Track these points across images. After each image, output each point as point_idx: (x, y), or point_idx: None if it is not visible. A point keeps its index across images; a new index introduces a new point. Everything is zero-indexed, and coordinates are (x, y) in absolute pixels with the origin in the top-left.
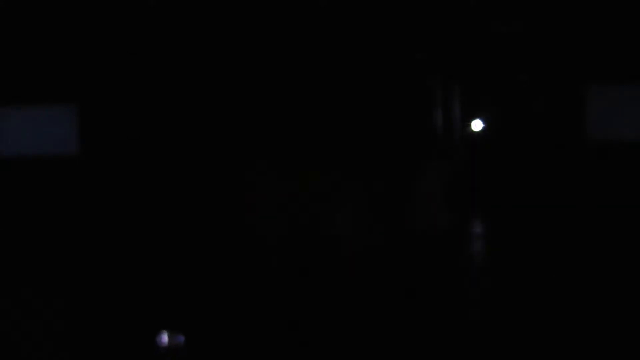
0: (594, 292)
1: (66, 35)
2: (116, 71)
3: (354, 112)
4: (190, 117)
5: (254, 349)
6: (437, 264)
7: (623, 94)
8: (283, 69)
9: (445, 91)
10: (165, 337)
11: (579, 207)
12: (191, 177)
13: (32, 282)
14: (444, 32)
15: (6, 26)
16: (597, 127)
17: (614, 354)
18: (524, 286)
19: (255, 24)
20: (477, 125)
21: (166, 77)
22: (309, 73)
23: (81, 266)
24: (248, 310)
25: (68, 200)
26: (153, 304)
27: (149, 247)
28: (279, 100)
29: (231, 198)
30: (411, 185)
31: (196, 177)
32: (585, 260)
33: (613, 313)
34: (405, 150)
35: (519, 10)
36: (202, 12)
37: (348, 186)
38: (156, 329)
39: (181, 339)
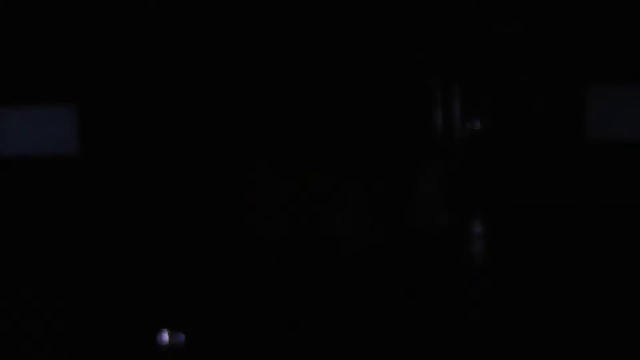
0: (594, 292)
1: (66, 35)
2: (116, 71)
3: (353, 112)
4: (190, 117)
5: (254, 348)
6: (437, 264)
7: (623, 94)
8: (283, 69)
9: (445, 91)
10: (165, 336)
11: (579, 207)
12: (191, 177)
13: (32, 282)
14: (444, 32)
15: (6, 26)
16: (597, 127)
17: (614, 354)
18: (524, 286)
19: (255, 24)
20: (477, 125)
21: (166, 77)
22: (309, 73)
23: (81, 266)
24: (248, 310)
25: (68, 200)
26: (153, 304)
27: (149, 247)
28: (278, 101)
29: (231, 198)
30: (411, 185)
31: (196, 177)
32: (585, 260)
33: (613, 313)
34: (405, 150)
35: (519, 10)
36: (202, 12)
37: (348, 186)
38: (156, 328)
39: (181, 338)
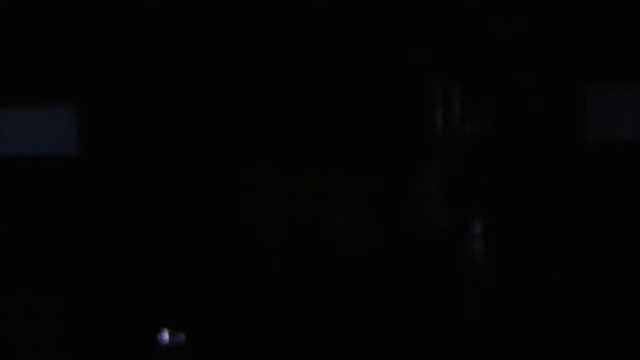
0: (594, 292)
1: (66, 35)
2: (116, 71)
3: (353, 112)
4: (190, 117)
5: (254, 348)
6: (437, 264)
7: (623, 94)
8: (283, 69)
9: (445, 91)
10: (165, 336)
11: (579, 207)
12: (191, 177)
13: (32, 282)
14: (444, 32)
15: (6, 26)
16: (597, 127)
17: (614, 354)
18: (524, 286)
19: (255, 24)
20: (477, 125)
21: (166, 77)
22: (309, 73)
23: (81, 266)
24: (248, 309)
25: (68, 200)
26: (153, 303)
27: (149, 246)
28: (278, 101)
29: (231, 198)
30: (411, 185)
31: (196, 177)
32: (585, 260)
33: (613, 313)
34: (405, 150)
35: (519, 10)
36: (202, 12)
37: (348, 186)
38: (156, 327)
39: (182, 337)
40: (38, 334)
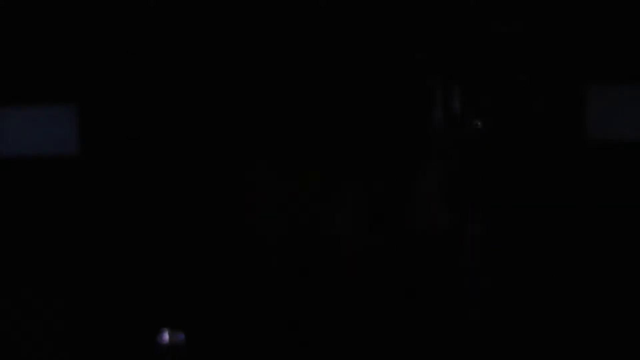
0: (594, 292)
1: (66, 35)
2: (116, 71)
3: (353, 112)
4: (190, 117)
5: (254, 348)
6: (437, 264)
7: (623, 94)
8: (283, 68)
9: (445, 91)
10: (166, 336)
11: (579, 207)
12: (191, 177)
13: (32, 282)
14: (444, 32)
15: (6, 26)
16: (597, 127)
17: (614, 354)
18: (524, 286)
19: (255, 24)
20: (477, 125)
21: (166, 77)
22: (309, 73)
23: (81, 266)
24: (248, 309)
25: (68, 200)
26: (153, 303)
27: (149, 246)
28: (278, 101)
29: (231, 198)
30: (411, 185)
31: (196, 177)
32: (585, 260)
33: (613, 313)
34: (405, 150)
35: (519, 10)
36: (202, 12)
37: (348, 186)
38: (157, 327)
39: (182, 337)
40: (38, 334)
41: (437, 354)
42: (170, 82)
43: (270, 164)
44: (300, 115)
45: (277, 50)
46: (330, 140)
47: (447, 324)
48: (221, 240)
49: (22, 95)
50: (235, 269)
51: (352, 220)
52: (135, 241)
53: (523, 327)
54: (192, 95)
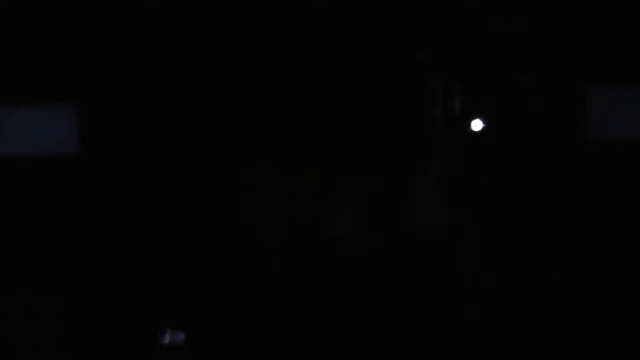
0: (594, 292)
1: (66, 35)
2: (116, 71)
3: (354, 112)
4: (190, 117)
5: (254, 348)
6: (437, 264)
7: (623, 94)
8: (283, 68)
9: (445, 91)
10: (165, 336)
11: (579, 207)
12: (191, 177)
13: (32, 282)
14: (444, 32)
15: (6, 26)
16: (597, 127)
17: (614, 354)
18: (524, 286)
19: (255, 24)
20: (477, 125)
21: (166, 77)
22: (309, 73)
23: (81, 266)
24: (248, 309)
25: (68, 200)
26: (153, 303)
27: (149, 246)
28: (278, 100)
29: (231, 198)
30: (411, 185)
31: (196, 177)
32: (585, 260)
33: (613, 313)
34: (405, 150)
35: (519, 10)
36: (202, 12)
37: (348, 186)
38: (157, 327)
39: (182, 337)
40: (38, 334)
41: (437, 353)
42: (170, 82)
43: (270, 164)
44: (300, 115)
45: (277, 50)
46: (330, 140)
47: (447, 324)
48: (221, 240)
49: (22, 95)
50: (235, 269)
51: (352, 220)
52: (135, 241)
53: (523, 326)
54: (192, 96)
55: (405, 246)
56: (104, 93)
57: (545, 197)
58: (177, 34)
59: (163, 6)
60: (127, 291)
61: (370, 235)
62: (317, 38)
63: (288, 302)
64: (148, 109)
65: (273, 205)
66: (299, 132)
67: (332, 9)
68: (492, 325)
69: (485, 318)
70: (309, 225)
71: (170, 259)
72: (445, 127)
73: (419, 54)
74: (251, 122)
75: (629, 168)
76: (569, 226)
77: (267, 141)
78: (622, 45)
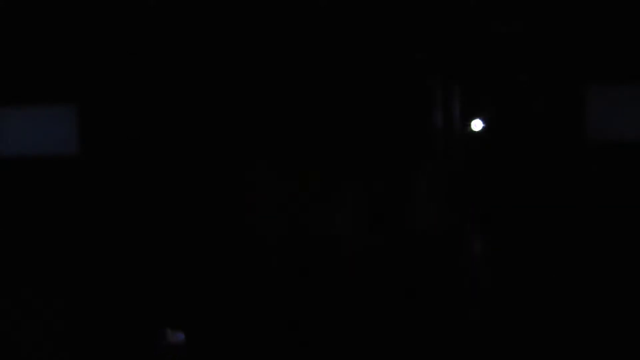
0: (594, 292)
1: (66, 35)
2: (116, 71)
3: (354, 112)
4: (190, 117)
5: (254, 348)
6: (437, 264)
7: (623, 94)
8: (283, 68)
9: (445, 91)
10: (165, 336)
11: (579, 207)
12: (191, 177)
13: (32, 282)
14: (444, 32)
15: (6, 26)
16: (597, 127)
17: (614, 355)
18: (524, 286)
19: (255, 24)
20: (477, 125)
21: (166, 77)
22: (309, 73)
23: (81, 266)
24: (248, 309)
25: (68, 200)
26: (153, 303)
27: (149, 246)
28: (278, 100)
29: (231, 198)
30: (411, 185)
31: (196, 177)
32: (585, 260)
33: (613, 313)
34: (405, 150)
35: (519, 10)
36: (202, 12)
37: (348, 186)
38: (156, 327)
39: (182, 337)
40: (38, 334)
41: (437, 353)
42: (170, 83)
43: (270, 164)
44: (300, 115)
45: (277, 50)
46: (330, 141)
47: (447, 323)
48: (221, 240)
49: (22, 95)
50: (235, 268)
51: (352, 220)
52: (135, 241)
53: (523, 326)
54: (192, 96)
55: (405, 246)
56: (104, 93)
57: (545, 197)
58: (177, 34)
59: (163, 6)
60: (127, 291)
61: (370, 235)
62: (317, 38)
63: (288, 302)
64: (148, 109)
65: (273, 205)
66: (299, 132)
67: (332, 10)
68: (492, 325)
69: (485, 318)
70: (309, 225)
71: (171, 259)
72: (445, 127)
73: (419, 54)
74: (251, 122)
75: (629, 168)
76: (569, 226)
77: (267, 141)
78: (622, 46)
